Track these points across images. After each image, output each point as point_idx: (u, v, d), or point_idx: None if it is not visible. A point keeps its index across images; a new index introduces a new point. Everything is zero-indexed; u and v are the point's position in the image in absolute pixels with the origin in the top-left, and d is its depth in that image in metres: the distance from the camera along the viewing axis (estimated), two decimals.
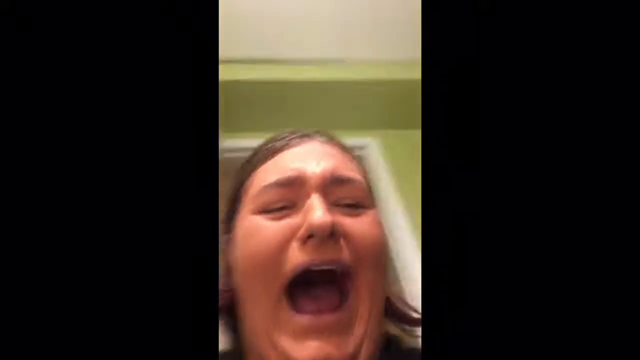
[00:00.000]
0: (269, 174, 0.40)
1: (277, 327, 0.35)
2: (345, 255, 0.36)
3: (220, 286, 0.43)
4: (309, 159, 0.41)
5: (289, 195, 0.38)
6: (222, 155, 1.34)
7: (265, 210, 0.38)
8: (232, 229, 0.43)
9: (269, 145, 0.45)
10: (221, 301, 0.42)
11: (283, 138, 0.45)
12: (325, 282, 0.37)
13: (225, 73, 1.16)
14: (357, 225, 0.38)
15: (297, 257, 0.35)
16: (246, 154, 0.47)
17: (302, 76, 1.59)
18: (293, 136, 0.45)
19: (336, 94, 1.64)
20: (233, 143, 1.50)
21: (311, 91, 1.62)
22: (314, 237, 0.35)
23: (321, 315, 0.34)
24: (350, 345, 0.34)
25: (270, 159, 0.43)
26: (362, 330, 0.35)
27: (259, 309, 0.36)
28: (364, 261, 0.37)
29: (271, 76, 1.57)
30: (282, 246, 0.36)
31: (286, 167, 0.40)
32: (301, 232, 0.36)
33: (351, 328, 0.35)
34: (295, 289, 0.36)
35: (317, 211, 0.35)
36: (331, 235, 0.35)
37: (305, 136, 0.46)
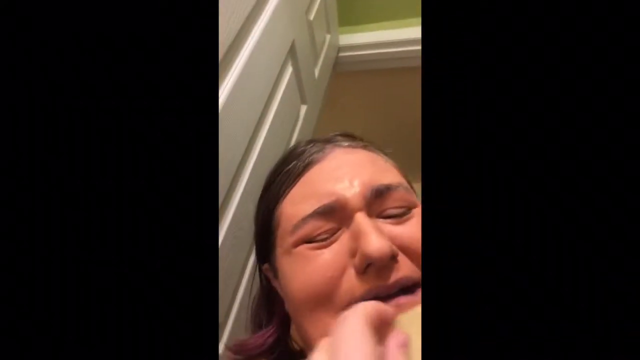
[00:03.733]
0: (302, 202, 0.37)
1: None
2: (408, 270, 0.33)
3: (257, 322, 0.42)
4: (341, 175, 0.37)
5: (332, 221, 0.36)
6: (340, 53, 1.21)
7: (308, 241, 0.36)
8: (272, 266, 0.40)
9: (290, 166, 0.41)
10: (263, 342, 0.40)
11: (302, 153, 0.42)
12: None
13: None
14: (408, 232, 0.35)
15: (358, 287, 0.33)
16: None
17: None
18: (313, 149, 0.42)
19: None
20: (350, 39, 1.25)
21: None
22: (373, 265, 0.32)
23: None
24: None
25: (296, 183, 0.39)
26: None
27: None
28: None
29: None
30: (339, 274, 0.33)
31: (321, 193, 0.37)
32: (358, 261, 0.33)
33: None
34: None
35: (371, 238, 0.32)
36: (392, 259, 0.32)
37: (326, 143, 0.42)
